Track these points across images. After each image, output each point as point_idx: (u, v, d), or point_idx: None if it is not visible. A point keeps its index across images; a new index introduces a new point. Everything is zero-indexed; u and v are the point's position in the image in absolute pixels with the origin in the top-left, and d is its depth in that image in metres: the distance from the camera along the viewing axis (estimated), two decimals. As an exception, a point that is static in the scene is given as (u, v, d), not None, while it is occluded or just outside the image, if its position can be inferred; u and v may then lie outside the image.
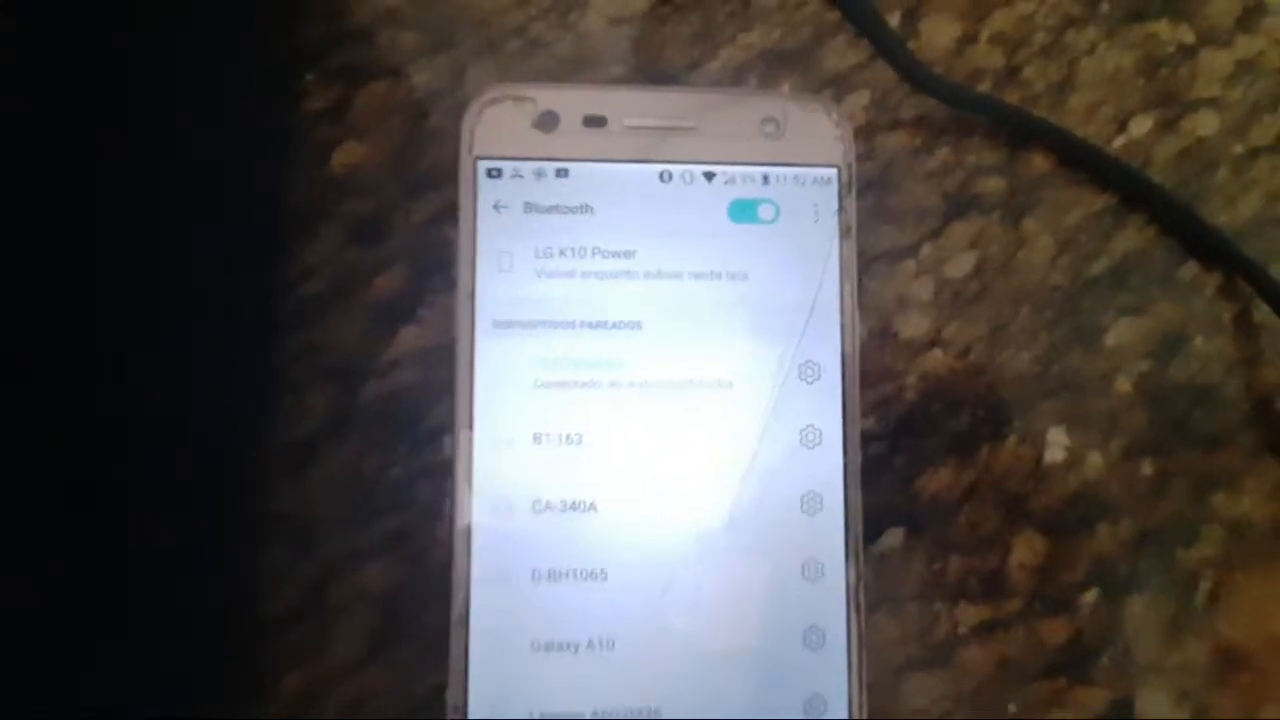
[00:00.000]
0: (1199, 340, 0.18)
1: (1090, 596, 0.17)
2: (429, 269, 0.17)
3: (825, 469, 0.16)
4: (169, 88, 0.16)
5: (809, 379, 0.16)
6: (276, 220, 0.17)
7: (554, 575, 0.15)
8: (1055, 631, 0.17)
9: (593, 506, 0.15)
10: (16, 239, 0.15)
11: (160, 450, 0.16)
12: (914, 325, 0.18)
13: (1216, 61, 0.19)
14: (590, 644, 0.15)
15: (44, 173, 0.15)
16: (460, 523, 0.15)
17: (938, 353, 0.18)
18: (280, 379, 0.17)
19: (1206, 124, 0.19)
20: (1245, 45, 0.20)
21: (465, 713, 0.14)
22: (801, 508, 0.16)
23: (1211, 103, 0.19)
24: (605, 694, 0.15)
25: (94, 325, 0.15)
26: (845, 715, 0.15)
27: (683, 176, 0.16)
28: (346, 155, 0.17)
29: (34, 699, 0.14)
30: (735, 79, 0.18)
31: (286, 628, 0.16)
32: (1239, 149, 0.19)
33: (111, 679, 0.15)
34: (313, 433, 0.17)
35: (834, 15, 0.18)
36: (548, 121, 0.16)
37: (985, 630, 0.17)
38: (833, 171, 0.16)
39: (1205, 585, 0.18)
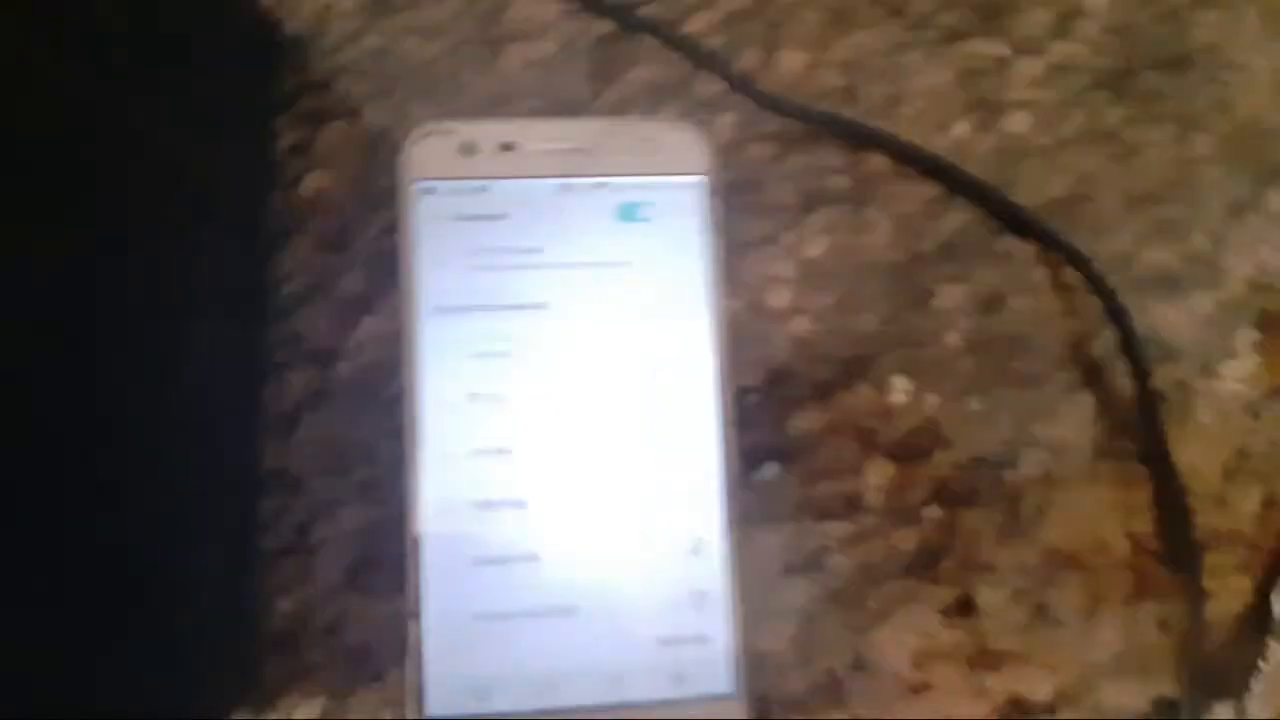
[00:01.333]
0: (1014, 299, 0.22)
1: (932, 511, 0.21)
2: (383, 270, 0.21)
3: (704, 412, 0.20)
4: (174, 126, 0.21)
5: (686, 343, 0.20)
6: (260, 235, 0.21)
7: (487, 505, 0.19)
8: (905, 540, 0.21)
9: (515, 450, 0.19)
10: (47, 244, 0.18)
11: (175, 420, 0.20)
12: (780, 297, 0.22)
13: (1029, 68, 0.24)
14: (519, 558, 0.19)
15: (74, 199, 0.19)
16: (411, 467, 0.19)
17: (800, 319, 0.22)
18: (266, 363, 0.21)
19: (1019, 122, 0.23)
20: (1058, 50, 0.24)
21: (419, 618, 0.18)
22: (686, 447, 0.20)
23: (1023, 104, 0.23)
24: (532, 597, 0.19)
25: (124, 321, 0.19)
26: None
27: (579, 188, 0.20)
28: (314, 182, 0.22)
29: (64, 615, 0.18)
30: (623, 109, 0.22)
31: (280, 560, 0.20)
32: (1047, 141, 0.23)
33: (146, 596, 0.19)
34: (297, 403, 0.21)
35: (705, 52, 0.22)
36: (469, 148, 0.20)
37: (847, 541, 0.21)
38: (701, 179, 0.20)
39: (1031, 500, 0.22)
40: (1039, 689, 0.21)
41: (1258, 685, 0.22)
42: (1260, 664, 0.22)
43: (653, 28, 0.22)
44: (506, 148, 0.20)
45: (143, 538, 0.18)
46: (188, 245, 0.20)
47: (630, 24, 0.22)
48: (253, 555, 0.20)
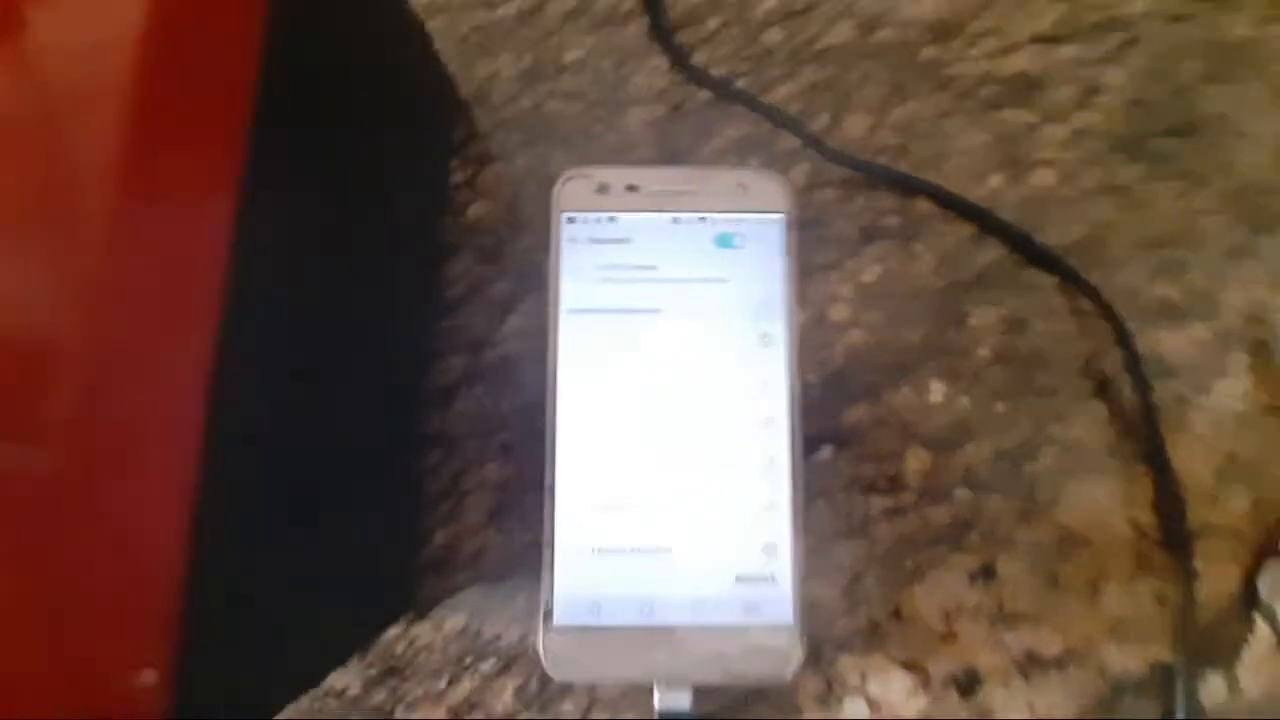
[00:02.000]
0: (1036, 323, 0.27)
1: (962, 493, 0.26)
2: (526, 279, 0.27)
3: (778, 403, 0.25)
4: (376, 168, 0.27)
5: (766, 345, 0.25)
6: (434, 249, 0.27)
7: (606, 463, 0.24)
8: (938, 516, 0.26)
9: (630, 421, 0.24)
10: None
11: (365, 394, 0.26)
12: (839, 313, 0.27)
13: (1055, 133, 0.28)
14: (629, 507, 0.24)
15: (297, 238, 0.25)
16: (550, 432, 0.24)
17: (856, 331, 0.27)
18: (434, 349, 0.27)
19: (1044, 177, 0.28)
20: (1080, 118, 0.29)
21: (552, 547, 0.23)
22: (763, 428, 0.25)
23: (1048, 162, 0.28)
24: (638, 538, 0.24)
25: (346, 320, 0.25)
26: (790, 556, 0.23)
27: (685, 220, 0.26)
28: (476, 210, 0.28)
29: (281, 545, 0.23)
30: (719, 159, 0.27)
31: (438, 502, 0.26)
32: (1069, 193, 0.28)
33: (339, 534, 0.25)
34: (454, 381, 0.27)
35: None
36: (603, 188, 0.25)
37: (889, 514, 0.26)
38: (781, 216, 0.25)
39: (1046, 487, 0.26)
40: (1049, 646, 0.25)
41: (1247, 656, 0.26)
42: (1249, 638, 0.25)
43: (744, 97, 0.27)
44: (631, 188, 0.26)
45: (332, 480, 0.24)
46: (378, 258, 0.26)
47: (726, 93, 0.28)
48: (417, 499, 0.26)
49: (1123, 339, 0.26)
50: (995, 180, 0.28)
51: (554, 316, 0.25)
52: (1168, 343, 0.27)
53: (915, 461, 0.26)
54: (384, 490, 0.25)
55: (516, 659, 0.25)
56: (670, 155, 0.28)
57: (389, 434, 0.26)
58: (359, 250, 0.25)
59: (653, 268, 0.25)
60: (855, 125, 0.28)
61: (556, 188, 0.25)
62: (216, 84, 0.18)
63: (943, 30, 0.29)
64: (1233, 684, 0.25)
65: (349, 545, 0.24)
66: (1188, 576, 0.25)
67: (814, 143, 0.26)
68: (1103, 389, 0.26)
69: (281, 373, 0.20)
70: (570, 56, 0.28)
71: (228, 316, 0.17)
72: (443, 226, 0.27)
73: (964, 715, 0.24)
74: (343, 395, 0.24)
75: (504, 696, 0.25)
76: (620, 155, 0.28)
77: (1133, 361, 0.26)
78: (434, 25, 0.28)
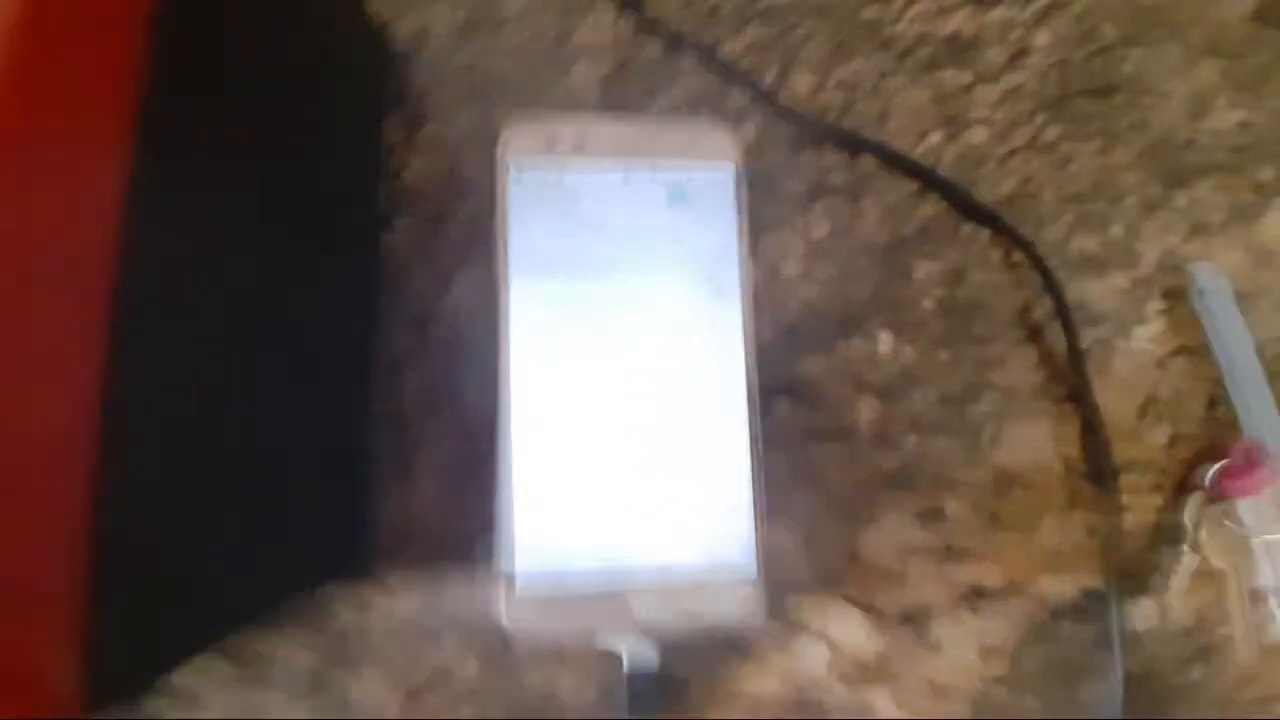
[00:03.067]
0: (974, 274, 0.28)
1: (910, 439, 0.27)
2: (473, 245, 0.26)
3: (734, 357, 0.25)
4: (301, 129, 0.25)
5: (721, 299, 0.25)
6: (370, 216, 0.26)
7: (563, 419, 0.24)
8: (888, 461, 0.27)
9: (585, 377, 0.24)
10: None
11: (302, 368, 0.24)
12: (792, 267, 0.27)
13: (988, 93, 0.29)
14: (589, 463, 0.24)
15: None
16: (504, 388, 0.24)
17: (808, 285, 0.27)
18: (377, 321, 0.26)
19: (978, 135, 0.29)
20: (1010, 79, 0.30)
21: (512, 515, 0.23)
22: (720, 382, 0.25)
23: (982, 121, 0.29)
24: (599, 492, 0.24)
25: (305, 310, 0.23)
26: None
27: (636, 174, 0.25)
28: (414, 172, 0.26)
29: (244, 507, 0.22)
30: (670, 113, 0.27)
31: (391, 478, 0.25)
32: (1000, 150, 0.29)
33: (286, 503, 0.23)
34: (401, 355, 0.26)
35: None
36: (550, 141, 0.25)
37: (844, 460, 0.26)
38: (731, 168, 0.25)
39: (988, 430, 0.27)
40: (992, 579, 0.26)
41: (1176, 584, 0.28)
42: (1177, 567, 0.28)
43: (699, 48, 0.27)
44: (581, 139, 0.25)
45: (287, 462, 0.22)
46: (320, 217, 0.25)
47: (678, 45, 0.28)
48: (364, 471, 0.25)
49: (1051, 289, 0.27)
50: (934, 138, 0.28)
51: (503, 277, 0.24)
52: (1092, 291, 0.28)
53: (867, 410, 0.27)
54: (322, 461, 0.24)
55: (480, 630, 0.24)
56: (618, 112, 0.27)
57: (329, 406, 0.25)
58: (286, 217, 0.23)
59: (603, 224, 0.25)
60: (801, 83, 0.28)
61: (502, 139, 0.25)
62: (101, 40, 0.16)
63: (882, -10, 0.29)
64: (1164, 609, 0.27)
65: (283, 514, 0.23)
66: (1114, 509, 0.27)
67: (766, 99, 0.27)
68: (1035, 335, 0.28)
69: (202, 345, 0.19)
70: (511, 8, 0.27)
71: (128, 287, 0.15)
72: (379, 191, 0.26)
73: (917, 649, 0.26)
74: (275, 369, 0.22)
75: (467, 668, 0.25)
76: (570, 109, 0.27)
77: (1062, 310, 0.27)
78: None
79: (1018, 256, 0.28)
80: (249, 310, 0.21)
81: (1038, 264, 0.27)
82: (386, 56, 0.26)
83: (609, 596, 0.23)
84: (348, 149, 0.26)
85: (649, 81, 0.28)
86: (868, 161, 0.28)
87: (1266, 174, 0.31)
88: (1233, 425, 0.28)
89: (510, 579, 0.23)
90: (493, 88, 0.27)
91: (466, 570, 0.25)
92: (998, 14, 0.30)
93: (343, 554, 0.25)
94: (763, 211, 0.27)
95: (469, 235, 0.26)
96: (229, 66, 0.21)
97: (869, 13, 0.29)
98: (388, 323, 0.26)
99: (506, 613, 0.22)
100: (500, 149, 0.25)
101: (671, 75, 0.28)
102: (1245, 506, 0.28)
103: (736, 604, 0.24)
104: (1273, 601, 0.27)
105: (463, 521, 0.25)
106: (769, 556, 0.24)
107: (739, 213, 0.25)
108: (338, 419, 0.25)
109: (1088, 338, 0.28)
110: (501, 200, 0.25)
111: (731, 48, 0.28)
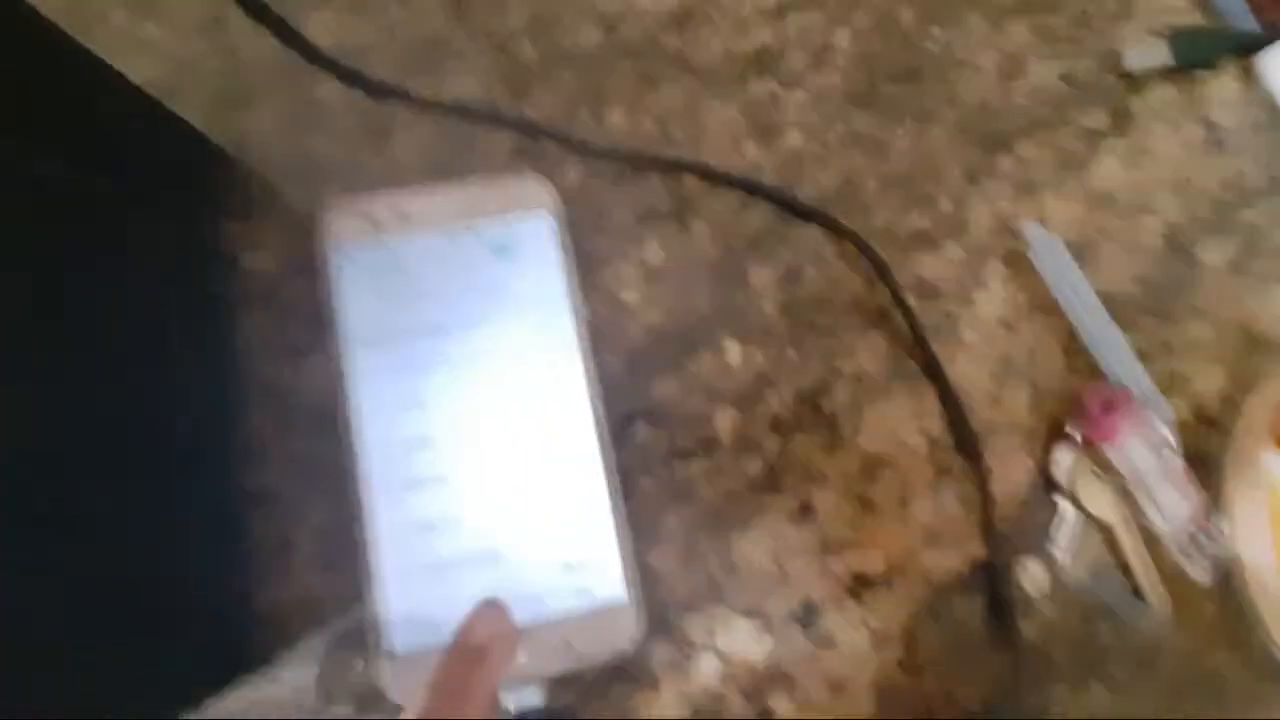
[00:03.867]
0: (809, 270, 0.29)
1: (769, 441, 0.27)
2: (316, 319, 0.27)
3: (578, 393, 0.26)
4: (140, 222, 0.26)
5: (557, 341, 0.26)
6: (215, 306, 0.27)
7: (419, 484, 0.24)
8: (753, 466, 0.27)
9: (436, 440, 0.25)
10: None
11: (163, 459, 0.25)
12: (632, 294, 0.28)
13: (796, 97, 0.31)
14: (448, 522, 0.24)
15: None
16: (353, 461, 0.24)
17: (649, 309, 0.28)
18: (236, 404, 0.26)
19: (794, 138, 0.30)
20: (815, 80, 0.31)
21: (379, 579, 0.24)
22: (568, 419, 0.25)
23: (795, 124, 0.30)
24: (462, 550, 0.24)
25: (128, 376, 0.24)
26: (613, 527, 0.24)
27: (459, 235, 0.26)
28: (254, 259, 0.27)
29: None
30: (493, 170, 0.28)
31: (266, 556, 0.26)
32: (817, 148, 0.30)
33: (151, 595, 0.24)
34: (264, 434, 0.26)
35: (550, 118, 0.29)
36: (370, 216, 0.26)
37: (709, 474, 0.27)
38: (547, 214, 0.26)
39: (846, 420, 0.28)
40: (873, 565, 0.27)
41: (1060, 537, 0.28)
42: (1057, 522, 0.28)
43: (497, 117, 0.29)
44: (400, 212, 0.26)
45: (149, 551, 0.23)
46: (163, 314, 0.26)
47: (490, 107, 0.29)
48: (241, 556, 0.25)
49: (881, 274, 0.28)
50: (750, 148, 0.29)
51: (342, 353, 0.25)
52: (929, 267, 0.29)
53: (724, 420, 0.27)
54: (196, 552, 0.25)
55: (371, 697, 0.25)
56: (441, 176, 0.28)
57: (198, 495, 0.25)
58: (128, 319, 0.24)
59: (434, 287, 0.26)
60: (615, 118, 0.29)
61: (322, 223, 0.26)
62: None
63: (680, 18, 0.31)
64: (1052, 567, 0.28)
65: (164, 611, 0.23)
66: (981, 475, 0.27)
67: (578, 146, 0.28)
68: (878, 320, 0.29)
69: (46, 449, 0.20)
70: (323, 93, 0.28)
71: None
72: (222, 283, 0.27)
73: (809, 647, 0.26)
74: (137, 461, 0.23)
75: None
76: (390, 182, 0.28)
77: (894, 290, 0.28)
78: (183, 84, 0.28)
79: (849, 247, 0.29)
80: (98, 415, 0.22)
81: (864, 249, 0.28)
82: (214, 156, 0.28)
83: (490, 648, 0.24)
84: (184, 247, 0.27)
85: (469, 140, 0.29)
86: (690, 181, 0.29)
87: (1094, 119, 0.32)
88: (1094, 375, 0.29)
89: (387, 642, 0.23)
90: (318, 169, 0.28)
91: (354, 638, 0.25)
92: (795, 20, 0.31)
93: (236, 650, 0.25)
94: (595, 246, 0.28)
95: (314, 310, 0.27)
96: (64, 187, 0.22)
97: (670, 42, 0.30)
98: (246, 406, 0.26)
99: (390, 685, 0.22)
100: (322, 232, 0.26)
101: (489, 132, 0.29)
102: (1114, 452, 0.28)
103: (615, 633, 0.24)
104: (1173, 547, 0.28)
105: (343, 591, 0.25)
106: (647, 578, 0.25)
107: (563, 254, 0.26)
108: (209, 508, 0.26)
109: (933, 312, 0.29)
110: (330, 280, 0.26)
111: (546, 96, 0.29)
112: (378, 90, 0.27)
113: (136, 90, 0.25)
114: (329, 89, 0.29)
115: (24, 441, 0.19)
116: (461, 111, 0.28)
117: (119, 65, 0.25)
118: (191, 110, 0.28)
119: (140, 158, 0.25)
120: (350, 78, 0.28)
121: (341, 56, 0.29)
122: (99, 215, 0.24)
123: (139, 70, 0.28)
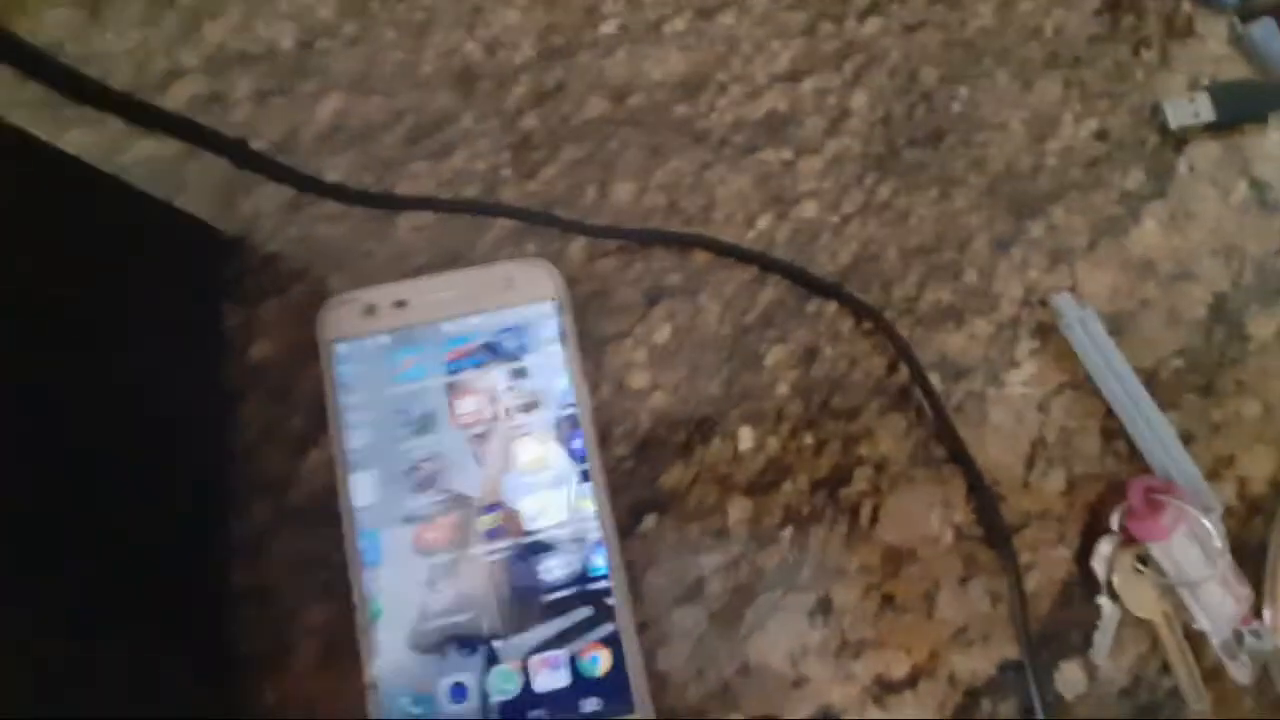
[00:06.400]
0: (826, 349, 0.27)
1: (787, 532, 0.26)
2: (319, 411, 0.26)
3: (588, 485, 0.25)
4: (148, 316, 0.26)
5: (563, 429, 0.25)
6: (218, 396, 0.26)
7: (422, 586, 0.24)
8: (768, 559, 0.26)
9: (443, 506, 0.24)
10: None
11: (157, 556, 0.25)
12: (638, 379, 0.27)
13: (811, 165, 0.29)
14: (452, 628, 0.23)
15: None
16: (354, 560, 0.24)
17: (658, 394, 0.27)
18: (234, 497, 0.26)
19: (808, 209, 0.29)
20: (832, 146, 0.30)
21: (381, 689, 0.23)
22: (576, 516, 0.24)
23: (810, 194, 0.29)
24: (470, 654, 0.23)
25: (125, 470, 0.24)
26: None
27: (458, 324, 0.26)
28: (258, 349, 0.27)
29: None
30: (497, 251, 0.28)
31: (264, 655, 0.25)
32: (834, 219, 0.29)
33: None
34: (262, 528, 0.26)
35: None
36: (370, 309, 0.25)
37: (721, 569, 0.26)
38: (552, 302, 0.26)
39: (865, 509, 0.26)
40: (897, 668, 0.25)
41: (1100, 640, 0.26)
42: (1097, 622, 0.26)
43: (494, 209, 0.28)
44: (399, 304, 0.26)
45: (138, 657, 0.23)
46: (165, 405, 0.25)
47: (490, 189, 0.28)
48: (236, 657, 0.25)
49: (902, 353, 0.27)
50: (763, 221, 0.28)
51: (341, 448, 0.25)
52: (954, 344, 0.28)
53: (737, 511, 0.26)
54: (193, 655, 0.24)
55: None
56: (447, 257, 0.28)
57: (194, 594, 0.25)
58: (128, 407, 0.24)
59: (434, 374, 0.25)
60: (622, 192, 0.28)
61: (321, 316, 0.25)
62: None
63: (690, 87, 0.30)
64: (1090, 670, 0.26)
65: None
66: (1015, 570, 0.26)
67: (578, 226, 0.27)
68: (900, 401, 0.27)
69: (42, 540, 0.19)
70: (329, 178, 0.28)
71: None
72: (225, 371, 0.27)
73: (829, 757, 0.24)
74: (131, 562, 0.23)
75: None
76: (396, 266, 0.27)
77: (917, 372, 0.26)
78: (190, 172, 0.28)
79: (868, 323, 0.27)
80: (99, 502, 0.21)
81: (884, 328, 0.27)
82: (218, 244, 0.27)
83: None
84: (186, 336, 0.27)
85: (473, 221, 0.28)
86: (700, 257, 0.28)
87: (1132, 180, 0.30)
88: (1133, 458, 0.27)
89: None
90: (323, 255, 0.28)
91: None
92: (810, 84, 0.30)
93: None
94: (602, 327, 0.28)
95: (316, 401, 0.27)
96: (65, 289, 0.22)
97: (679, 111, 0.29)
98: (244, 498, 0.26)
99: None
100: (319, 327, 0.25)
101: (490, 223, 0.28)
102: (1160, 551, 0.26)
103: (622, 745, 0.23)
104: (1216, 644, 0.26)
105: (345, 689, 0.25)
106: (654, 681, 0.24)
107: (567, 343, 0.26)
108: (205, 608, 0.25)
109: (958, 392, 0.27)
110: (330, 374, 0.25)
111: (551, 171, 0.29)
112: (370, 201, 0.26)
113: (135, 192, 0.25)
114: (334, 174, 0.28)
115: (17, 545, 0.19)
116: (462, 206, 0.28)
117: (126, 154, 0.25)
118: (197, 196, 0.27)
119: (140, 252, 0.25)
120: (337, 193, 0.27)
121: (344, 137, 0.29)
122: (98, 308, 0.24)
123: (143, 150, 0.28)
